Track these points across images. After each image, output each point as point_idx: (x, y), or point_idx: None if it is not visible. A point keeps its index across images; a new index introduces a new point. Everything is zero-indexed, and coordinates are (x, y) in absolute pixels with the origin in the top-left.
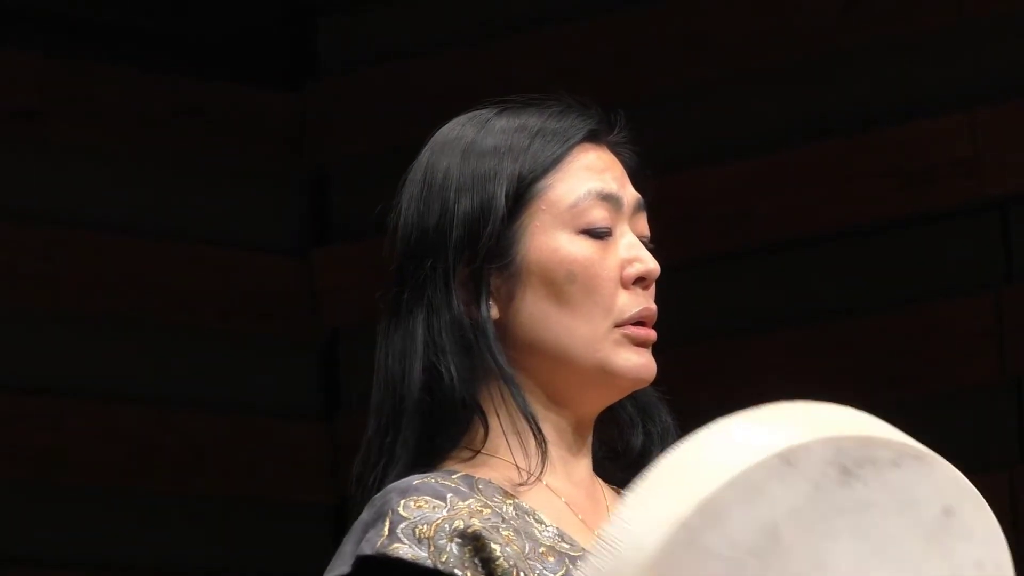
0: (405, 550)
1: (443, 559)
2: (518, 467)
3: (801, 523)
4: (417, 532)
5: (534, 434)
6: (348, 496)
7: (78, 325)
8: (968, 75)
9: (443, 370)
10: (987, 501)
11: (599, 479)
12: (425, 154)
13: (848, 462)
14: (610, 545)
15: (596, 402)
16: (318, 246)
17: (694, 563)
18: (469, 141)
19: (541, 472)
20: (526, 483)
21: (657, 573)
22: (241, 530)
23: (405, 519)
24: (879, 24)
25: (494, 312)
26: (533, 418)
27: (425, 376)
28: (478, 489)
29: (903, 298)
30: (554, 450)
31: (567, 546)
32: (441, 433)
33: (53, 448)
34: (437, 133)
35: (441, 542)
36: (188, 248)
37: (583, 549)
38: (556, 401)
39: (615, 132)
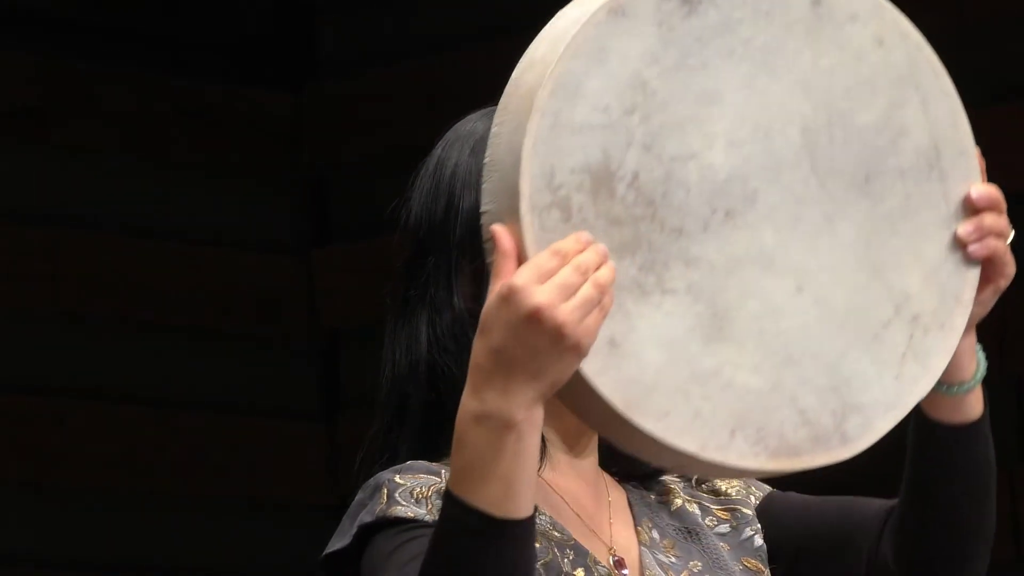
0: (403, 509)
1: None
2: None
3: (663, 65)
4: (415, 494)
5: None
6: (347, 496)
7: (78, 325)
8: (968, 78)
9: (445, 368)
10: None
11: (606, 475)
12: (438, 148)
13: None
14: (489, 163)
15: None
16: (318, 247)
17: (570, 142)
18: (479, 136)
19: (540, 469)
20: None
21: (535, 165)
22: (240, 529)
23: (401, 485)
24: None
25: None
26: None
27: (429, 373)
28: None
29: None
30: (556, 448)
31: (558, 534)
32: (444, 430)
33: (53, 447)
34: (452, 127)
35: (439, 501)
36: (188, 249)
37: (574, 539)
38: (557, 400)
39: None
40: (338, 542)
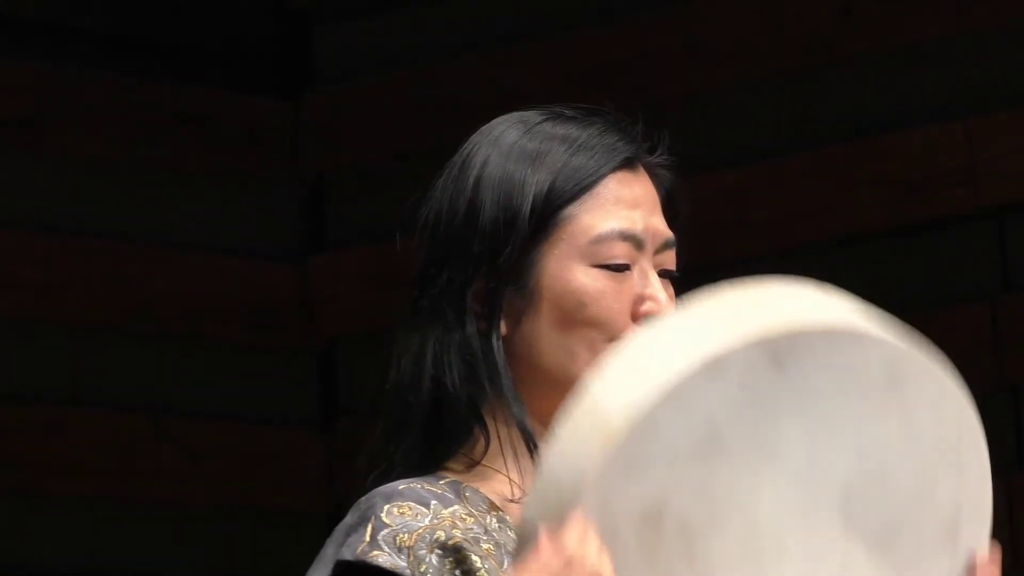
0: (384, 558)
1: (422, 569)
2: (512, 481)
3: (738, 418)
4: (398, 540)
5: (531, 451)
6: (345, 504)
7: (75, 333)
8: (965, 84)
9: (449, 384)
10: None
11: None
12: (464, 151)
13: (779, 350)
14: (545, 476)
15: None
16: (315, 254)
17: (636, 476)
18: (509, 143)
19: (515, 498)
20: (516, 500)
21: (596, 494)
22: (238, 538)
23: (387, 526)
24: (876, 33)
25: (502, 329)
26: (531, 436)
27: (432, 386)
28: (464, 496)
29: (899, 307)
30: None
31: None
32: (442, 443)
33: (50, 456)
34: (480, 130)
35: (421, 552)
36: (185, 256)
37: None
38: (552, 420)
39: (657, 154)
40: (319, 569)
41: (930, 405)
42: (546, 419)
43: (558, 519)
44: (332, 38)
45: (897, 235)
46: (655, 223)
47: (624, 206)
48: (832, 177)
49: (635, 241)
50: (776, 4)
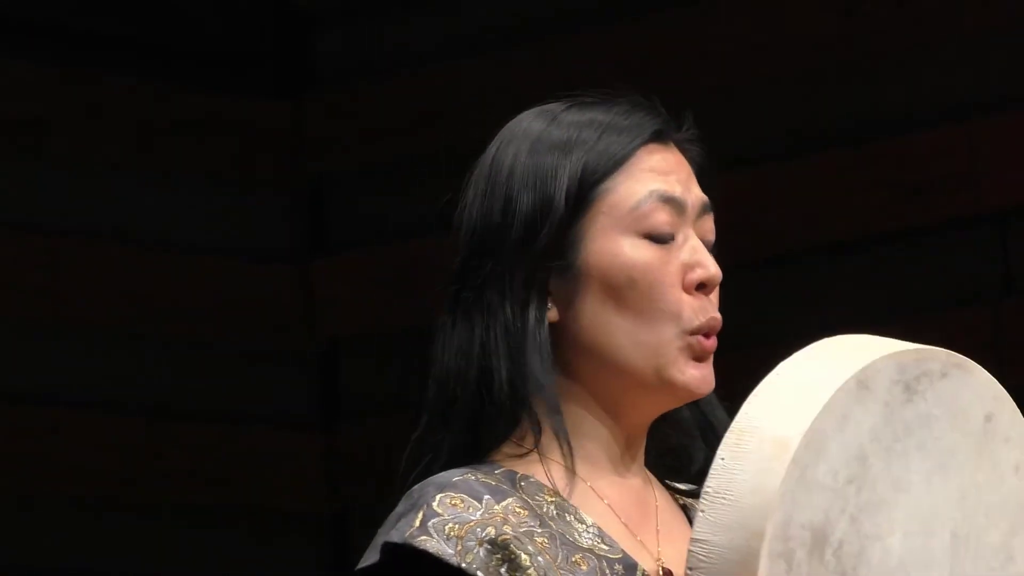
0: (432, 544)
1: (468, 560)
2: (567, 468)
3: (881, 446)
4: (447, 530)
5: (559, 441)
6: (347, 507)
7: (77, 335)
8: (967, 88)
9: (496, 373)
10: None
11: (654, 480)
12: (492, 148)
13: (909, 379)
14: (722, 496)
15: (651, 410)
16: (317, 256)
17: (809, 498)
18: (536, 135)
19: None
20: (572, 487)
21: (781, 514)
22: (239, 541)
23: (438, 515)
24: (878, 37)
25: (553, 314)
26: (562, 428)
27: (479, 376)
28: (520, 487)
29: (901, 310)
30: (605, 453)
31: (606, 548)
32: (491, 433)
33: (50, 458)
34: (506, 126)
35: (470, 543)
36: (187, 258)
37: (623, 551)
38: (611, 406)
39: (684, 130)
40: (370, 556)
41: (1010, 450)
42: (602, 404)
43: (743, 545)
44: (333, 41)
45: (899, 239)
46: (692, 187)
47: (659, 173)
48: (834, 181)
49: (675, 204)
50: (778, 8)
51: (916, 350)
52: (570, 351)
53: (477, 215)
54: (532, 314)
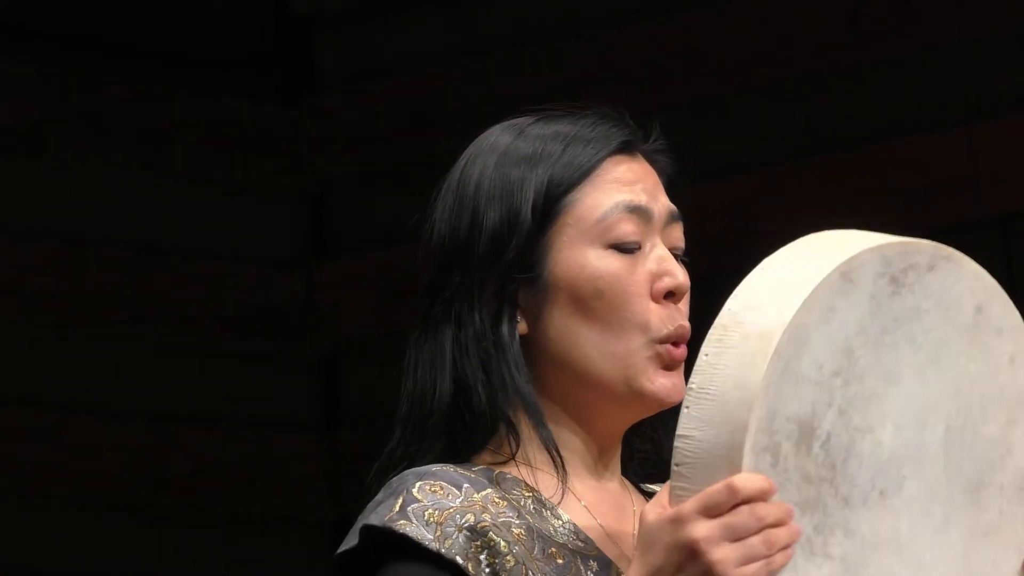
0: (412, 528)
1: (447, 545)
2: (545, 473)
3: (868, 339)
4: (427, 516)
5: (550, 453)
6: (348, 510)
7: (77, 339)
8: (968, 92)
9: (472, 385)
10: None
11: (630, 486)
12: (461, 162)
13: (895, 271)
14: (706, 391)
15: (622, 419)
16: (319, 262)
17: (793, 391)
18: (503, 149)
19: (564, 485)
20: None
21: (765, 407)
22: (241, 543)
23: (417, 500)
24: (880, 41)
25: (522, 327)
26: (550, 438)
27: (454, 389)
28: (497, 482)
29: None
30: (580, 461)
31: (581, 544)
32: (469, 444)
33: (52, 462)
34: (474, 141)
35: (449, 529)
36: (190, 263)
37: (598, 549)
38: (583, 416)
39: (651, 140)
40: (349, 540)
41: (1004, 342)
42: (573, 415)
43: (727, 439)
44: (335, 47)
45: None
46: (659, 196)
47: (624, 183)
48: (836, 185)
49: (641, 213)
50: (782, 13)
51: (901, 243)
52: (541, 363)
53: (446, 229)
54: (504, 327)
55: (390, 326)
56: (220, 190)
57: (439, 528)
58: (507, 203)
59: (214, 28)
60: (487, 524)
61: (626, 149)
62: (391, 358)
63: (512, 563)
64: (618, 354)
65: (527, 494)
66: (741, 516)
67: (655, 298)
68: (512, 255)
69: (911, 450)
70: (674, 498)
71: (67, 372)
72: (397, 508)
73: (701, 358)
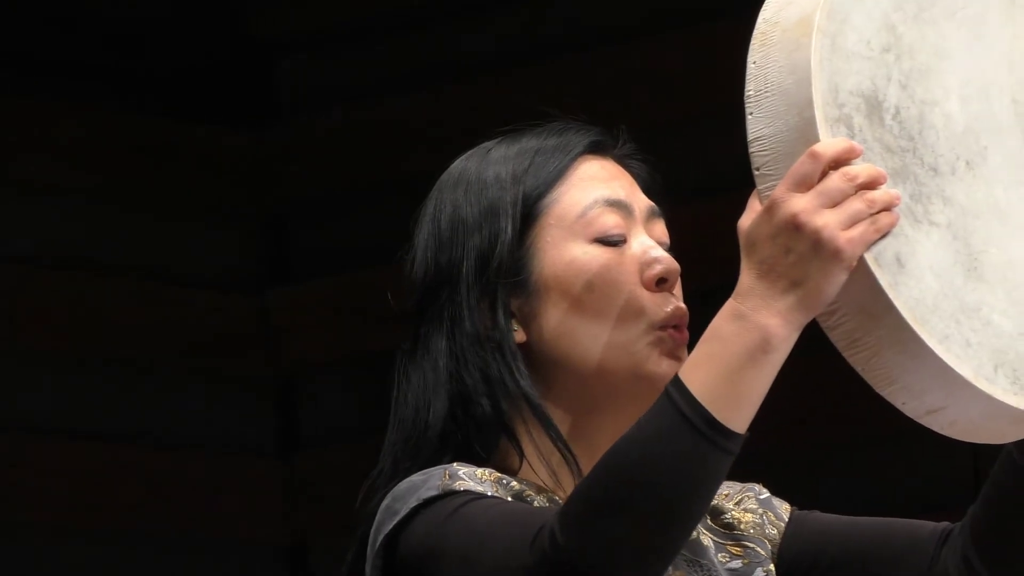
0: (469, 484)
1: (504, 495)
2: (560, 475)
3: (907, 15)
4: (480, 475)
5: (563, 454)
6: (305, 536)
7: (36, 361)
8: None
9: (472, 395)
10: None
11: None
12: (433, 195)
13: None
14: (763, 91)
15: (630, 410)
16: (276, 285)
17: (848, 66)
18: (472, 176)
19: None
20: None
21: (824, 80)
22: (197, 568)
23: (459, 469)
24: None
25: (519, 336)
26: (561, 440)
27: (452, 404)
28: (510, 487)
29: None
30: (591, 461)
31: None
32: (472, 456)
33: (8, 485)
34: (444, 173)
35: (500, 487)
36: (147, 286)
37: None
38: (590, 414)
39: (619, 145)
40: (391, 521)
41: None
42: (579, 414)
43: (797, 121)
44: (294, 69)
45: None
46: (636, 193)
47: (600, 180)
48: None
49: (621, 207)
50: None
51: None
52: (542, 369)
53: (425, 261)
54: (501, 334)
55: (347, 349)
56: (176, 212)
57: (491, 485)
58: (487, 226)
59: (171, 49)
60: (531, 493)
61: (596, 150)
62: (348, 381)
63: None
64: (619, 344)
65: (543, 495)
66: (833, 180)
67: (647, 286)
68: (498, 264)
69: (984, 122)
70: (763, 199)
71: (21, 395)
72: (447, 476)
73: (750, 67)
